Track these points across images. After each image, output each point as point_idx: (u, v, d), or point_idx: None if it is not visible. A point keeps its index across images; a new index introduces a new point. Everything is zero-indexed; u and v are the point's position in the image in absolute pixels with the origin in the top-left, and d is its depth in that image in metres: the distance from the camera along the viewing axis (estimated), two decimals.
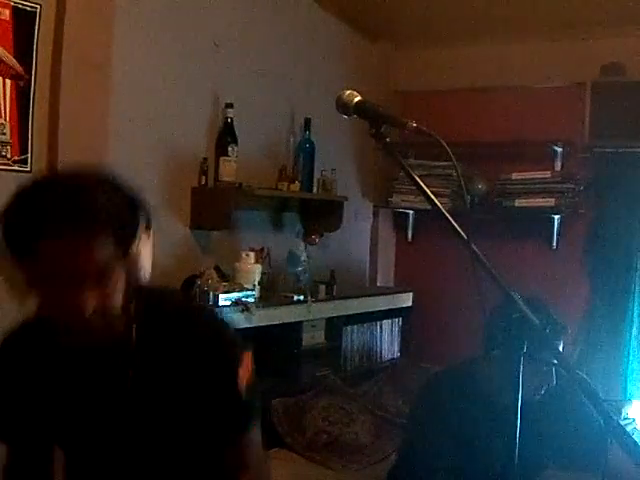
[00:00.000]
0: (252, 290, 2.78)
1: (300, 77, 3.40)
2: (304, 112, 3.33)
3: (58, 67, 2.21)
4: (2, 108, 2.11)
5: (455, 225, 1.24)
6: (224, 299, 2.64)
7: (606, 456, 1.92)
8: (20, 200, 1.04)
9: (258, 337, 2.10)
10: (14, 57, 2.13)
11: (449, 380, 2.05)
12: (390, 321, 3.95)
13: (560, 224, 3.73)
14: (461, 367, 2.09)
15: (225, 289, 2.66)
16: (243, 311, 2.67)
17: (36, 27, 2.17)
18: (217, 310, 2.45)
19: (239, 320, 2.59)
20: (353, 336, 3.61)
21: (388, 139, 1.35)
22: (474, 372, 1.99)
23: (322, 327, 3.36)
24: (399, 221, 4.28)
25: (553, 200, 3.60)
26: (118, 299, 1.10)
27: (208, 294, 2.60)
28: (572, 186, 3.62)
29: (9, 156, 2.14)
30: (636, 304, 3.59)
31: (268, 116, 3.23)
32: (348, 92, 1.40)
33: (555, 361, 1.75)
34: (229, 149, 2.81)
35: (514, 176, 3.70)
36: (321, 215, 3.47)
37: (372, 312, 3.72)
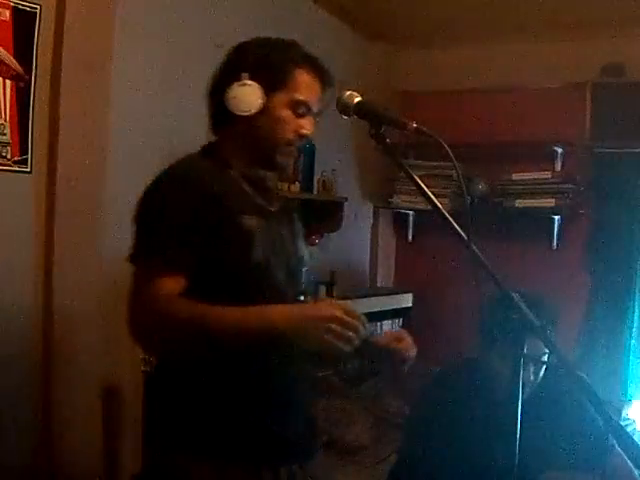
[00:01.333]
0: None
1: None
2: None
3: (58, 67, 2.21)
4: (2, 108, 2.11)
5: (455, 225, 1.24)
6: None
7: (606, 457, 1.93)
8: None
9: None
10: (14, 57, 2.12)
11: (449, 379, 2.05)
12: (390, 322, 3.94)
13: (560, 224, 3.73)
14: (461, 366, 2.09)
15: None
16: None
17: (36, 27, 2.17)
18: None
19: None
20: None
21: (388, 139, 1.35)
22: (474, 371, 1.99)
23: None
24: (399, 221, 4.28)
25: (553, 200, 3.60)
26: None
27: None
28: (572, 186, 3.62)
29: (9, 156, 2.14)
30: (636, 304, 3.58)
31: None
32: (348, 92, 1.41)
33: (553, 360, 1.76)
34: None
35: (514, 177, 3.70)
36: (321, 216, 3.46)
37: (372, 313, 3.72)
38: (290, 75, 1.45)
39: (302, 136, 1.49)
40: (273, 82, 1.43)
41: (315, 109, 1.50)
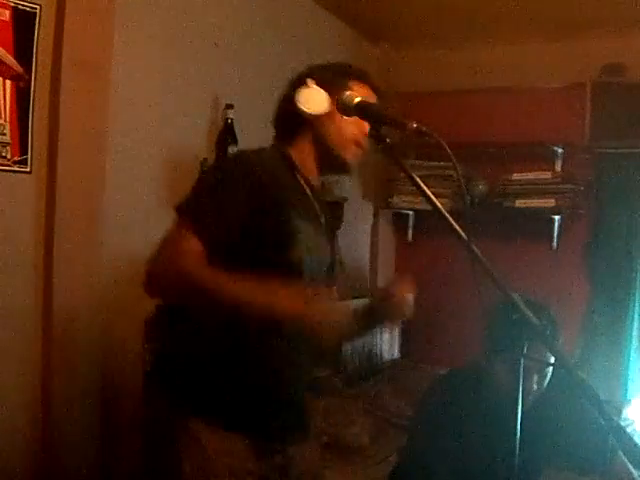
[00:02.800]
0: None
1: None
2: None
3: (58, 67, 2.21)
4: (2, 108, 2.11)
5: (455, 226, 1.24)
6: None
7: (607, 458, 1.93)
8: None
9: None
10: (14, 57, 2.12)
11: (454, 383, 2.04)
12: None
13: (560, 224, 3.73)
14: (466, 370, 2.08)
15: None
16: None
17: (36, 27, 2.16)
18: None
19: None
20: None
21: (388, 140, 1.35)
22: (478, 375, 1.99)
23: None
24: (399, 222, 4.28)
25: (553, 201, 3.60)
26: None
27: None
28: (572, 187, 3.62)
29: (9, 156, 2.13)
30: (636, 304, 3.58)
31: (268, 117, 3.22)
32: (348, 93, 1.42)
33: (554, 362, 1.76)
34: (229, 150, 2.81)
35: (514, 177, 3.70)
36: None
37: None
38: (347, 83, 1.57)
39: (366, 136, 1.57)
40: (335, 89, 1.53)
41: None
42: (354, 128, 1.58)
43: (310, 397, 3.01)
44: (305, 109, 1.55)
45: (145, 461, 1.64)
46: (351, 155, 1.64)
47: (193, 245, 1.40)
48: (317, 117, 1.56)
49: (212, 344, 1.51)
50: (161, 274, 1.42)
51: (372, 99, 1.59)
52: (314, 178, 1.66)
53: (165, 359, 1.64)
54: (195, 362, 1.53)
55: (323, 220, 1.66)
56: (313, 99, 1.55)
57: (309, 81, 1.57)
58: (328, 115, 1.56)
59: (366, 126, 1.53)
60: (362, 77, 1.62)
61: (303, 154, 1.63)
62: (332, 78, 1.58)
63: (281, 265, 1.48)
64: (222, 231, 1.44)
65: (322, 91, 1.55)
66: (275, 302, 1.35)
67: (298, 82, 1.61)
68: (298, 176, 1.61)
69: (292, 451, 1.60)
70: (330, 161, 1.64)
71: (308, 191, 1.63)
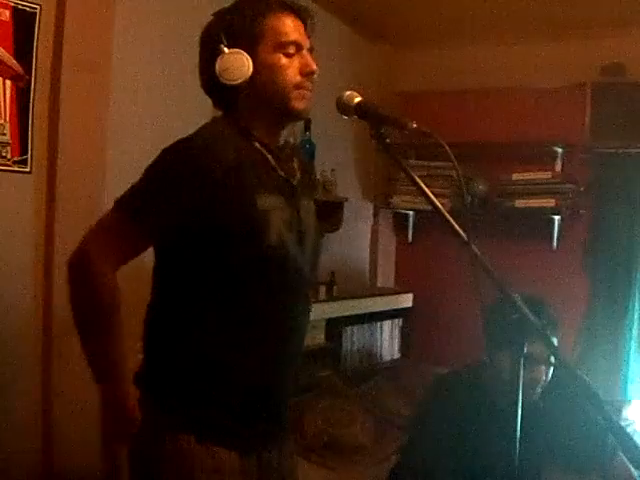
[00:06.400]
0: None
1: None
2: None
3: (58, 67, 2.21)
4: (2, 108, 2.11)
5: (455, 226, 1.24)
6: None
7: (607, 458, 1.93)
8: None
9: None
10: (14, 57, 2.12)
11: (454, 383, 2.04)
12: (390, 322, 3.95)
13: (560, 225, 3.73)
14: (466, 370, 2.08)
15: None
16: None
17: (36, 27, 2.17)
18: None
19: None
20: (353, 337, 3.61)
21: (388, 140, 1.35)
22: (479, 375, 1.99)
23: (322, 328, 3.35)
24: (399, 222, 4.28)
25: (553, 201, 3.60)
26: None
27: None
28: (572, 187, 3.62)
29: (9, 156, 2.14)
30: (636, 304, 3.58)
31: None
32: (348, 93, 1.42)
33: (554, 361, 1.76)
34: None
35: (514, 177, 3.70)
36: (321, 216, 3.44)
37: (372, 313, 3.72)
38: (262, 25, 1.44)
39: (308, 74, 1.47)
40: (250, 39, 1.43)
41: (305, 44, 1.50)
42: (291, 72, 1.44)
43: (310, 397, 3.04)
44: (228, 82, 1.41)
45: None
46: (298, 101, 1.46)
47: (116, 247, 1.40)
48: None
49: (206, 352, 1.43)
50: (76, 266, 1.41)
51: (300, 29, 1.49)
52: (269, 135, 1.49)
53: (155, 369, 1.56)
54: (187, 374, 1.45)
55: (296, 182, 1.53)
56: (233, 67, 1.41)
57: (221, 48, 1.42)
58: (256, 70, 1.41)
59: (303, 61, 1.46)
60: (274, 6, 1.46)
61: (251, 114, 1.46)
62: (245, 29, 1.43)
63: (259, 254, 1.39)
64: (159, 227, 1.40)
65: (240, 54, 1.41)
66: (101, 388, 1.55)
67: (210, 46, 1.46)
68: (257, 144, 1.46)
69: (275, 453, 1.51)
70: (279, 114, 1.48)
71: (271, 160, 1.47)
